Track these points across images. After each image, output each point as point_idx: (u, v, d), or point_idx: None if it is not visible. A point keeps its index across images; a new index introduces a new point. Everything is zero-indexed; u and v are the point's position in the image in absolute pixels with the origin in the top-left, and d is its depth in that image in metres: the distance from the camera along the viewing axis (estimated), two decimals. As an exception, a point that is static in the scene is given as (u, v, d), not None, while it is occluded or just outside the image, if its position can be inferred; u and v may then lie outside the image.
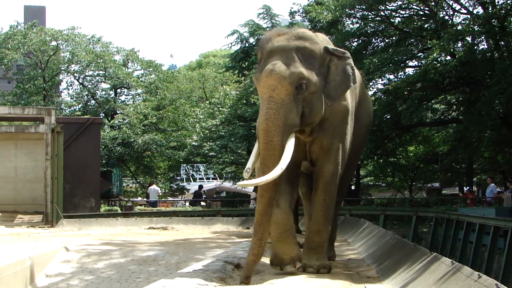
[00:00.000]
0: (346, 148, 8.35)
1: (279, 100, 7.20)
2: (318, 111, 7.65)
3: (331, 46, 8.07)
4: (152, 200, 30.82)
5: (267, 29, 30.40)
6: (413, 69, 26.03)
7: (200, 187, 35.31)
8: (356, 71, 8.43)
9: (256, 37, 33.09)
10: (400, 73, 25.52)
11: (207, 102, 39.43)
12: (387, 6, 24.95)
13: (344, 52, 7.96)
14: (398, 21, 25.74)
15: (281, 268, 7.84)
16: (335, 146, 8.12)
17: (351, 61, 7.97)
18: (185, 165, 44.23)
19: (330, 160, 8.11)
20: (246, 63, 34.15)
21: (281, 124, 7.17)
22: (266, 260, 8.19)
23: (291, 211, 8.09)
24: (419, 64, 25.56)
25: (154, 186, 32.07)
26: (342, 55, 7.89)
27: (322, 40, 8.16)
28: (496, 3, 22.71)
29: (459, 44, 23.14)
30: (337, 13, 24.43)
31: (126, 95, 41.74)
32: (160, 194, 33.94)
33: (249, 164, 7.24)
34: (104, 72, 38.66)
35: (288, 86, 7.24)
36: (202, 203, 32.38)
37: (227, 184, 39.81)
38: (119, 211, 26.23)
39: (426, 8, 24.35)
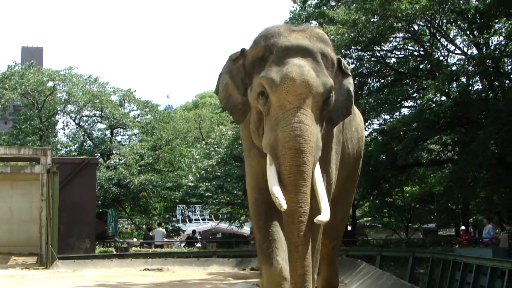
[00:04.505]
0: (332, 177, 6.59)
1: (310, 113, 5.58)
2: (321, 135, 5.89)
3: None
4: (159, 242, 30.76)
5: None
6: (408, 109, 26.14)
7: (193, 232, 35.60)
8: None
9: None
10: (395, 113, 25.57)
11: (203, 142, 39.38)
12: (383, 47, 25.10)
13: (348, 68, 6.42)
14: (394, 61, 25.88)
15: None
16: (325, 159, 6.21)
17: (352, 80, 6.49)
18: (181, 205, 44.06)
19: None
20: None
21: (314, 146, 5.56)
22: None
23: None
24: (415, 104, 25.66)
25: (160, 228, 32.43)
26: (348, 72, 6.38)
27: None
28: (490, 44, 22.93)
29: (454, 85, 23.24)
30: (333, 53, 24.50)
31: (122, 135, 41.66)
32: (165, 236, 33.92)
33: (280, 194, 5.32)
34: (100, 112, 38.66)
35: (319, 98, 5.66)
36: (198, 244, 32.26)
37: (223, 225, 39.66)
38: (114, 252, 26.08)
39: (421, 49, 24.49)
